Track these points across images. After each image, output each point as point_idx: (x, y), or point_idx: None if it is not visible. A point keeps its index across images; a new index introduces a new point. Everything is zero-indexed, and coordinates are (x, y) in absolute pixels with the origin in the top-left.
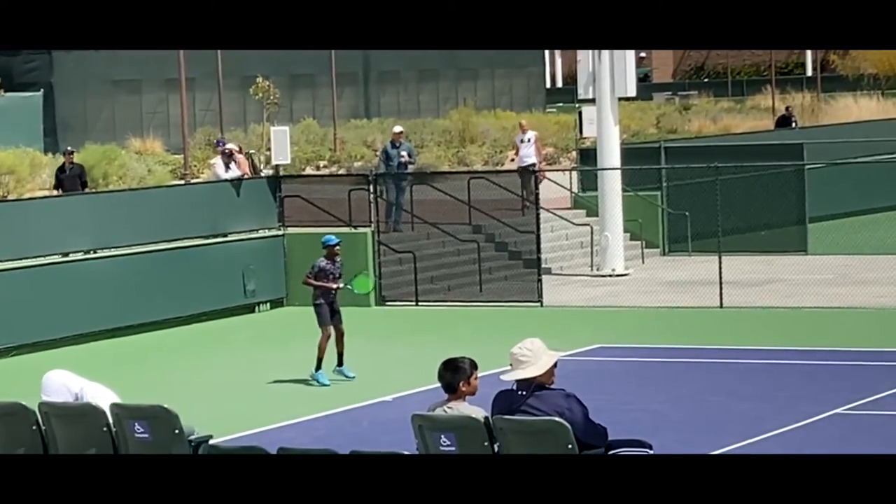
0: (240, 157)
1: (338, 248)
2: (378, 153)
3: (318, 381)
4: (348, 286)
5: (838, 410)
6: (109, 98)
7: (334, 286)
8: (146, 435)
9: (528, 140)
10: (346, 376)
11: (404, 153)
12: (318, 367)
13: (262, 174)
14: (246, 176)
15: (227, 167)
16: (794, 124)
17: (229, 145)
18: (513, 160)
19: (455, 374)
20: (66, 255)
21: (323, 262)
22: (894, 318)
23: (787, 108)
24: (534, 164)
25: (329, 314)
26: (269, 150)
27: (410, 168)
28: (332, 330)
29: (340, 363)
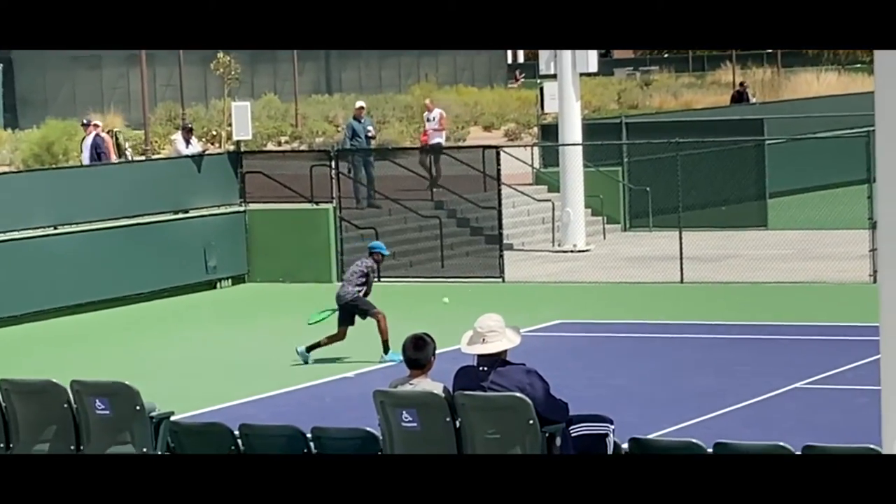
0: (105, 136)
1: (384, 258)
2: (339, 129)
3: (394, 360)
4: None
5: (798, 385)
6: (70, 73)
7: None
8: (107, 411)
9: (434, 119)
10: (395, 360)
11: (370, 127)
12: (388, 349)
13: (129, 157)
14: (113, 159)
15: (188, 143)
16: (749, 99)
17: (95, 122)
18: (424, 139)
19: (421, 351)
20: (27, 231)
21: (375, 265)
22: (854, 293)
23: (741, 84)
24: (439, 143)
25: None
26: (230, 125)
27: (373, 143)
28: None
29: (385, 349)
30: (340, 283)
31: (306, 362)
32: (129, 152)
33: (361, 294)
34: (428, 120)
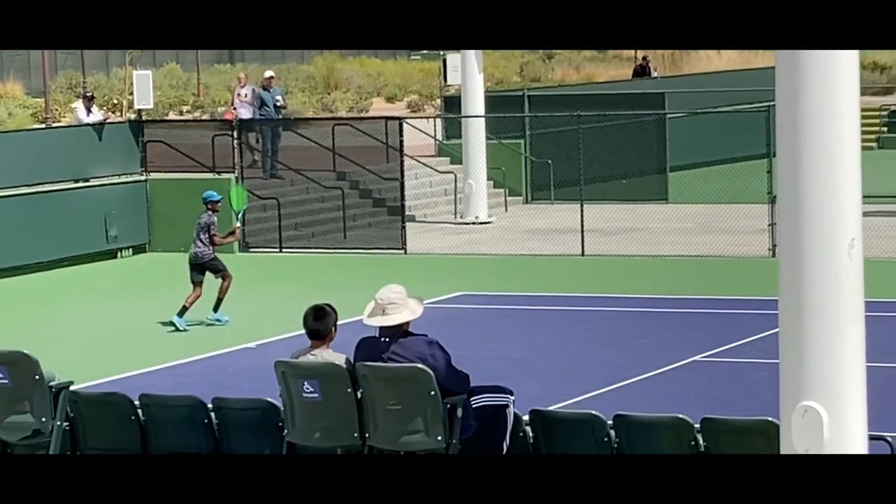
0: None
1: (220, 204)
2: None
3: (221, 321)
4: (231, 207)
5: (697, 358)
6: None
7: (236, 236)
8: (6, 381)
9: (245, 94)
10: (222, 321)
11: (279, 97)
12: (218, 308)
13: None
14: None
15: (89, 111)
16: (650, 74)
17: None
18: (232, 115)
19: (321, 321)
20: None
21: (214, 218)
22: (752, 267)
23: (643, 58)
24: (250, 119)
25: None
26: (131, 94)
27: (283, 112)
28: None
29: (216, 308)
30: (192, 244)
31: (183, 329)
32: None
33: (210, 249)
34: (238, 95)
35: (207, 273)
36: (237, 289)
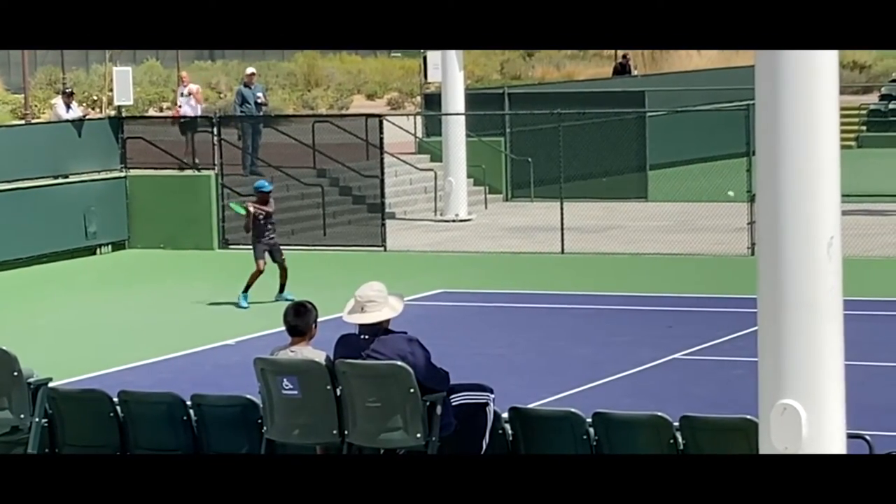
0: None
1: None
2: (222, 95)
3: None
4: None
5: (677, 355)
6: None
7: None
8: None
9: (188, 94)
10: (288, 300)
11: (260, 94)
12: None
13: None
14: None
15: (69, 107)
16: (630, 72)
17: None
18: (177, 113)
19: (302, 318)
20: None
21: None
22: (731, 265)
23: (623, 56)
24: (196, 119)
25: (262, 251)
26: (111, 90)
27: (264, 109)
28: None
29: (282, 291)
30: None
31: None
32: None
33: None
34: (182, 95)
35: (268, 255)
36: (216, 285)
